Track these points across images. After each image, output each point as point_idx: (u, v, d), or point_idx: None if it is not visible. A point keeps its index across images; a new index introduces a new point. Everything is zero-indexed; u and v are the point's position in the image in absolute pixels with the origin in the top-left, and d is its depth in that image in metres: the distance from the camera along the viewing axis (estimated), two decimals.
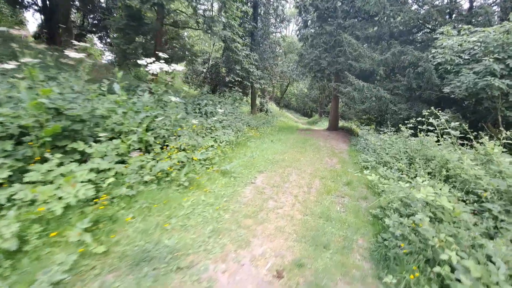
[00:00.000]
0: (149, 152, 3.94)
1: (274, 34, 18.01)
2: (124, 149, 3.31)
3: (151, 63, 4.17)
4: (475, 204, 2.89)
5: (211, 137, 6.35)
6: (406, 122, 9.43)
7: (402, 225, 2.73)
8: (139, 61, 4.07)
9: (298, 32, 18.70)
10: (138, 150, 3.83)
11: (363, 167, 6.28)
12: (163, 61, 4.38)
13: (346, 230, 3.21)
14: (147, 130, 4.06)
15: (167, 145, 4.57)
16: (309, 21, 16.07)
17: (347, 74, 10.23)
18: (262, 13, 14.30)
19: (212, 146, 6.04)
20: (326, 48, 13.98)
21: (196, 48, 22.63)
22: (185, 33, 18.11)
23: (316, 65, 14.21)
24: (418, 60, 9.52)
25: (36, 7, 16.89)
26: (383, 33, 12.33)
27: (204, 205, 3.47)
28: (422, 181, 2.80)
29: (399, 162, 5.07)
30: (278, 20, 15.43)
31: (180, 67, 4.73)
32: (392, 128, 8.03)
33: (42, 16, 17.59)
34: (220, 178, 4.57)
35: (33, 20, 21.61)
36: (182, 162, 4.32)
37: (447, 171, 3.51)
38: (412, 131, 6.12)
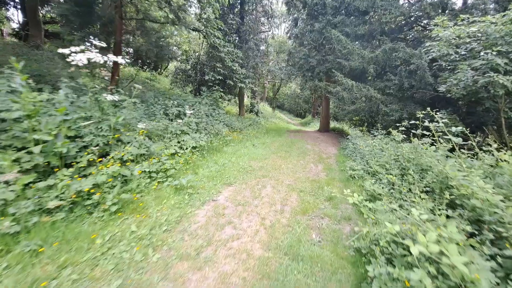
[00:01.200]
0: (68, 167, 3.01)
1: (262, 32, 17.15)
2: (8, 167, 2.38)
3: (79, 52, 3.24)
4: (491, 245, 2.02)
5: (177, 143, 5.43)
6: (398, 124, 8.67)
7: (391, 280, 1.85)
8: (60, 50, 3.15)
9: (288, 30, 17.88)
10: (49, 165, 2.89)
11: (350, 176, 5.42)
12: (97, 50, 3.45)
13: (317, 275, 2.33)
14: (69, 137, 3.13)
15: (107, 156, 3.65)
16: (299, 20, 15.24)
17: (335, 73, 9.39)
18: (250, 9, 13.42)
19: (175, 154, 5.12)
20: (315, 46, 13.14)
21: (185, 47, 21.68)
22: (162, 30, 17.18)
23: (305, 64, 13.37)
24: (410, 57, 8.73)
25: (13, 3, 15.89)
26: (373, 30, 11.55)
27: (130, 240, 2.55)
28: (419, 215, 1.92)
29: (390, 174, 4.21)
30: (266, 18, 14.55)
31: (121, 60, 3.80)
32: (382, 131, 7.20)
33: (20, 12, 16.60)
34: (170, 196, 3.66)
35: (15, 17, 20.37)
36: (121, 177, 3.40)
37: (450, 194, 2.64)
38: (404, 135, 5.27)
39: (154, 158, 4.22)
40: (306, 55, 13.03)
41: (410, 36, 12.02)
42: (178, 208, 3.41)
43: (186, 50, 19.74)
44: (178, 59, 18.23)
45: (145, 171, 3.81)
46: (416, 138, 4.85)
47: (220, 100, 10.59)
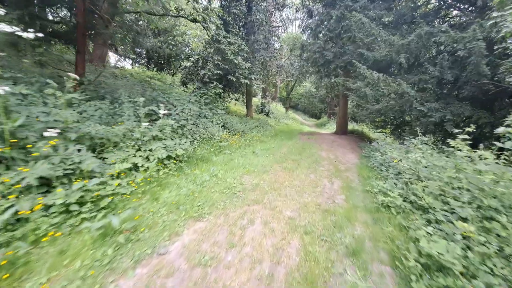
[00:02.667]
0: None
1: (274, 28, 15.51)
2: None
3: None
4: None
5: (144, 152, 3.99)
6: (445, 128, 6.66)
7: None
8: None
9: (301, 23, 16.09)
10: None
11: (381, 205, 3.67)
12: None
13: None
14: None
15: None
16: (314, 10, 13.42)
17: (356, 64, 7.54)
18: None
19: (134, 169, 3.67)
20: (331, 37, 11.29)
21: (194, 45, 20.54)
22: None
23: (320, 58, 11.55)
24: (455, 42, 6.72)
25: None
26: (401, 15, 9.53)
27: None
28: None
29: (453, 211, 2.45)
30: (277, 8, 12.89)
31: (27, 34, 2.40)
32: (422, 137, 5.31)
33: None
34: (84, 251, 2.18)
35: None
36: None
37: None
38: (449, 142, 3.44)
39: (89, 178, 2.78)
40: (321, 48, 11.21)
41: (452, 21, 9.80)
42: (82, 279, 1.91)
43: (193, 48, 18.59)
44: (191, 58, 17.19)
45: (53, 204, 2.37)
46: (484, 151, 3.04)
47: (220, 99, 9.12)
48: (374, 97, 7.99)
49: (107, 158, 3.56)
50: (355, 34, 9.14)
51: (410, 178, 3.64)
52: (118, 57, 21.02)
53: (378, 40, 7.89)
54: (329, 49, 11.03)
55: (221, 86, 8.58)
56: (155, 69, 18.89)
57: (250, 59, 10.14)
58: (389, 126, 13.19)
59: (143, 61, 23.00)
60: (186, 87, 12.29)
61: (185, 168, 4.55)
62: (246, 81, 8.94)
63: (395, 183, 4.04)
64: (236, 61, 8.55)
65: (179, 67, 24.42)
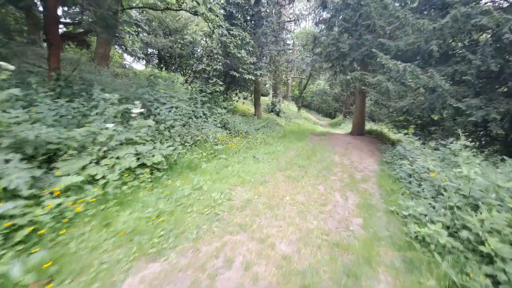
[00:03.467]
0: None
1: (286, 22, 14.44)
2: None
3: None
4: None
5: (109, 160, 3.21)
6: (480, 129, 5.37)
7: None
8: None
9: (314, 16, 14.89)
10: None
11: (416, 239, 2.62)
12: None
13: None
14: None
15: None
16: (328, 0, 12.21)
17: (377, 53, 6.38)
18: None
19: (89, 182, 2.90)
20: (347, 27, 10.07)
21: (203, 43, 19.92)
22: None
23: (334, 51, 10.36)
24: (499, 25, 5.43)
25: None
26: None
27: None
28: None
29: None
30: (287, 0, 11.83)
31: None
32: (464, 141, 4.11)
33: None
34: None
35: None
36: None
37: None
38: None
39: (9, 199, 2.01)
40: (335, 40, 10.02)
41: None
42: None
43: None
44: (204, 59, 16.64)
45: None
46: None
47: (222, 96, 8.30)
48: (397, 92, 6.76)
49: (57, 169, 2.81)
50: (375, 21, 7.92)
51: (458, 202, 2.55)
52: (133, 58, 20.92)
53: (403, 27, 6.64)
54: (345, 41, 9.83)
55: (221, 83, 7.72)
56: (164, 69, 18.50)
57: (256, 53, 9.21)
58: (412, 126, 11.73)
59: (155, 61, 22.84)
60: (190, 85, 11.61)
61: (164, 178, 3.74)
62: (250, 77, 8.03)
63: (433, 206, 2.95)
64: (239, 55, 7.66)
65: (191, 67, 24.04)
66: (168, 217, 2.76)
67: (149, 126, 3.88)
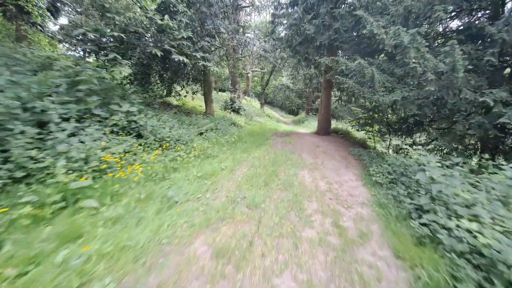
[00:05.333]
0: None
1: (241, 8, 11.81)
2: None
3: None
4: None
5: None
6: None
7: None
8: None
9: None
10: None
11: None
12: None
13: None
14: None
15: None
16: None
17: (365, 17, 4.19)
18: None
19: None
20: (313, 3, 7.90)
21: None
22: None
23: (298, 35, 8.15)
24: None
25: None
26: None
27: None
28: None
29: None
30: None
31: None
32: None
33: None
34: None
35: None
36: None
37: None
38: None
39: None
40: (299, 19, 7.77)
41: None
42: None
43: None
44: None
45: None
46: None
47: (146, 86, 5.39)
48: (383, 83, 4.73)
49: None
50: None
51: None
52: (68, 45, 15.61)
53: None
54: (311, 21, 7.65)
55: (127, 62, 4.78)
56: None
57: (195, 28, 6.42)
58: (380, 126, 10.33)
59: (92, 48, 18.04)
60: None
61: None
62: (182, 58, 5.24)
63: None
64: (161, 22, 4.80)
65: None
66: None
67: None
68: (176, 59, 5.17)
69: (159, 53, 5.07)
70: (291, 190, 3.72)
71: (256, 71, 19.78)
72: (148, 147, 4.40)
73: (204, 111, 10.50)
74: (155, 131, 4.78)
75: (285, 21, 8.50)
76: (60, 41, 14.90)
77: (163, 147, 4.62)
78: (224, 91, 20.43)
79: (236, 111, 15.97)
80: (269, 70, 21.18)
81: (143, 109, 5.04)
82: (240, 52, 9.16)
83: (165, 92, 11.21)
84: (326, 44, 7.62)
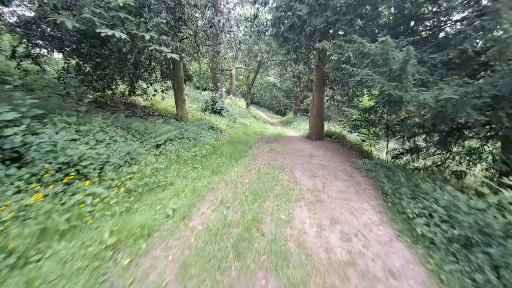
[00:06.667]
0: None
1: None
2: None
3: None
4: None
5: None
6: None
7: None
8: None
9: None
10: None
11: None
12: None
13: None
14: None
15: None
16: None
17: None
18: None
19: None
20: None
21: None
22: None
23: (285, 17, 6.34)
24: None
25: None
26: None
27: None
28: None
29: None
30: None
31: None
32: None
33: None
34: None
35: None
36: None
37: None
38: None
39: None
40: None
41: None
42: None
43: None
44: None
45: None
46: None
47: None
48: (413, 74, 3.02)
49: None
50: None
51: None
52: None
53: None
54: (302, 0, 5.87)
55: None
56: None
57: (151, 4, 4.43)
58: (380, 129, 8.91)
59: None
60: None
61: None
62: (113, 33, 3.29)
63: None
64: None
65: None
66: None
67: None
68: (103, 34, 3.18)
69: (70, 25, 3.06)
70: (284, 271, 1.90)
71: (240, 68, 17.83)
72: (29, 183, 2.41)
73: (176, 113, 8.48)
74: (57, 152, 2.78)
75: (271, 0, 6.66)
76: None
77: (65, 180, 2.63)
78: (205, 89, 18.36)
79: (218, 112, 13.99)
80: (254, 68, 19.31)
81: (42, 114, 3.02)
82: (215, 37, 7.17)
83: (127, 90, 9.09)
84: (322, 29, 5.86)
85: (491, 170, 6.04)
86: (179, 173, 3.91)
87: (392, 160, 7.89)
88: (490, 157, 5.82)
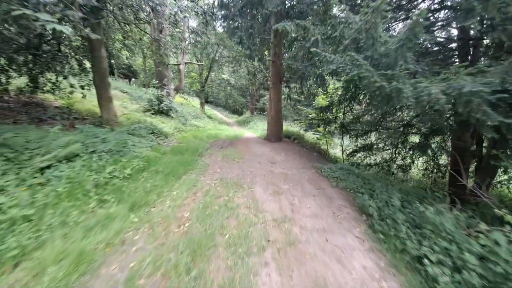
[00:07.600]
0: None
1: None
2: None
3: None
4: None
5: None
6: None
7: None
8: None
9: None
10: None
11: None
12: None
13: None
14: None
15: None
16: None
17: None
18: None
19: None
20: None
21: None
22: None
23: None
24: None
25: None
26: None
27: None
28: None
29: None
30: None
31: None
32: None
33: None
34: None
35: None
36: None
37: None
38: None
39: None
40: None
41: None
42: None
43: None
44: None
45: None
46: None
47: None
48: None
49: None
50: None
51: None
52: None
53: None
54: None
55: None
56: None
57: None
58: (335, 128, 8.65)
59: None
60: None
61: None
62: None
63: None
64: None
65: None
66: None
67: None
68: None
69: None
70: None
71: (190, 63, 15.84)
72: None
73: (100, 115, 6.35)
74: None
75: None
76: None
77: None
78: (148, 86, 15.74)
79: (165, 113, 11.89)
80: (207, 65, 17.52)
81: None
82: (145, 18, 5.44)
83: (27, 85, 6.51)
84: (283, 12, 4.84)
85: (430, 163, 6.16)
86: (67, 219, 2.29)
87: (347, 158, 7.65)
88: (429, 151, 5.90)
